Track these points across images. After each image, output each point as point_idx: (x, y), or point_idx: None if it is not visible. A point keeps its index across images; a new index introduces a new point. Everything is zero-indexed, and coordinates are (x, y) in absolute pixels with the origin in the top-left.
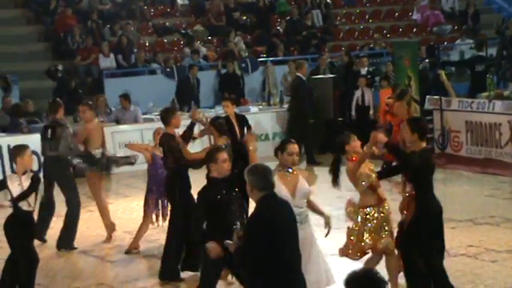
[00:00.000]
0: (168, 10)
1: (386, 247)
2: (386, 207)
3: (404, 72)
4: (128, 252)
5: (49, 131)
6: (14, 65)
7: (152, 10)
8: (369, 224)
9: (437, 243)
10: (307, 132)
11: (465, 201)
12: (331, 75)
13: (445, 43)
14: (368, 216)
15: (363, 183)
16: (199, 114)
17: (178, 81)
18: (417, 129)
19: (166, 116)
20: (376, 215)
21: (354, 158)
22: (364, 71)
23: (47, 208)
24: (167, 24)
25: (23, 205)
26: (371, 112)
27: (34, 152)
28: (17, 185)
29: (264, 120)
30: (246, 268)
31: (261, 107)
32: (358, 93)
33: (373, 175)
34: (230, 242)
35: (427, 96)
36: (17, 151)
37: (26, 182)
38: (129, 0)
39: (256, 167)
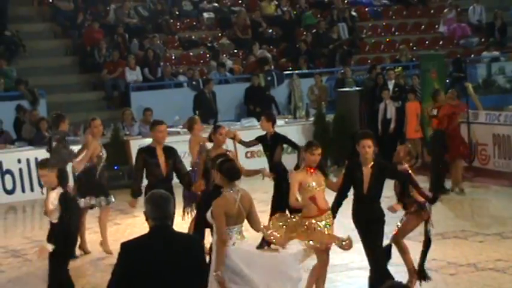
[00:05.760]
0: (194, 23)
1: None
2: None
3: (431, 84)
4: None
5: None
6: (41, 78)
7: (178, 24)
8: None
9: None
10: None
11: (493, 214)
12: (358, 88)
13: (472, 56)
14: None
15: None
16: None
17: (194, 97)
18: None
19: None
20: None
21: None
22: (391, 83)
23: None
24: (193, 37)
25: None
26: (392, 126)
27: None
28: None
29: (290, 133)
30: None
31: (287, 120)
32: (382, 106)
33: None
34: None
35: None
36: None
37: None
38: (156, 14)
39: (152, 195)
